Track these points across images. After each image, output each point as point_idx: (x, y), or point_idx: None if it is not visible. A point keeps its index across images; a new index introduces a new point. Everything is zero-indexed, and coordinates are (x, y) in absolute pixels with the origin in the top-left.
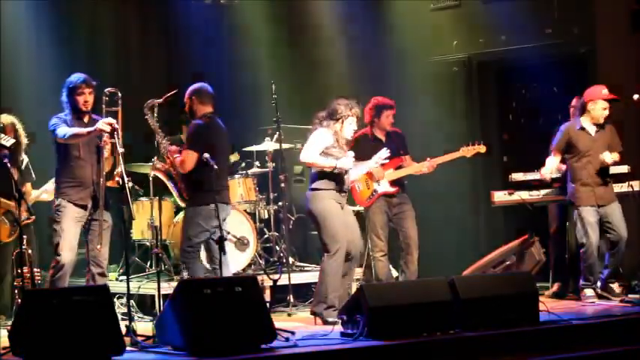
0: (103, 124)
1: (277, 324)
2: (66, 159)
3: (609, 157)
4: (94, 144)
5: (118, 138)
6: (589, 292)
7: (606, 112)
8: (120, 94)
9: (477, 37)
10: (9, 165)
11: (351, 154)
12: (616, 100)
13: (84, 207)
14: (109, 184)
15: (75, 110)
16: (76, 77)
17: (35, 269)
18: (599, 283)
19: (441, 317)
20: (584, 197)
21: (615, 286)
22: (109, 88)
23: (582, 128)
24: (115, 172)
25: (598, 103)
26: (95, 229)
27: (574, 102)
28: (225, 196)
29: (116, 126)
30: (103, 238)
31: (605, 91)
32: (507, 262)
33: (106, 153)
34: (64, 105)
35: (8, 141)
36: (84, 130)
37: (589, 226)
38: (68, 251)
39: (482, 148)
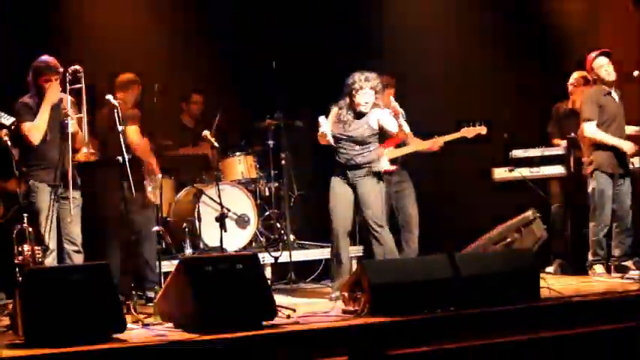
0: None
1: (278, 301)
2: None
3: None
4: (58, 122)
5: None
6: (599, 268)
7: (611, 66)
8: (82, 72)
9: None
10: (9, 144)
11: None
12: (608, 52)
13: (55, 187)
14: (84, 159)
15: (40, 94)
16: (44, 62)
17: (36, 247)
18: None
19: (441, 294)
20: (606, 164)
21: (630, 264)
22: (73, 67)
23: (609, 93)
24: (82, 147)
25: (597, 63)
26: (65, 208)
27: (571, 80)
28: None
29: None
30: (74, 215)
31: (595, 53)
32: (508, 239)
33: (72, 128)
34: (29, 86)
35: (8, 120)
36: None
37: (606, 199)
38: (50, 229)
39: (484, 130)
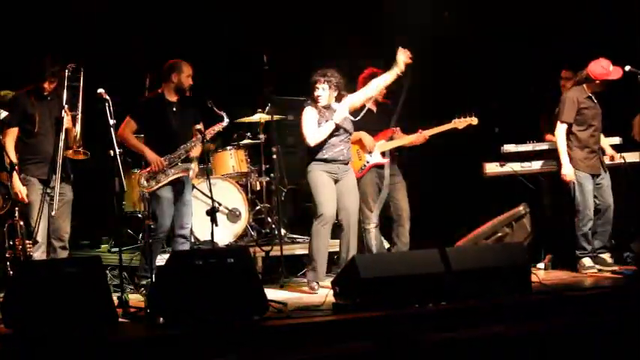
0: None
1: (269, 295)
2: (24, 135)
3: None
4: (54, 116)
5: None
6: (587, 261)
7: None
8: (82, 69)
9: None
10: (0, 136)
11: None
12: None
13: (46, 181)
14: (73, 156)
15: (37, 91)
16: (48, 62)
17: (27, 241)
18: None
19: (432, 288)
20: (588, 165)
21: (607, 257)
22: (72, 64)
23: (590, 97)
24: (74, 144)
25: (603, 63)
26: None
27: (563, 74)
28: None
29: None
30: (64, 211)
31: (611, 67)
32: (499, 234)
33: (67, 124)
34: (31, 71)
35: (1, 114)
36: None
37: (587, 193)
38: (41, 223)
39: (474, 120)
